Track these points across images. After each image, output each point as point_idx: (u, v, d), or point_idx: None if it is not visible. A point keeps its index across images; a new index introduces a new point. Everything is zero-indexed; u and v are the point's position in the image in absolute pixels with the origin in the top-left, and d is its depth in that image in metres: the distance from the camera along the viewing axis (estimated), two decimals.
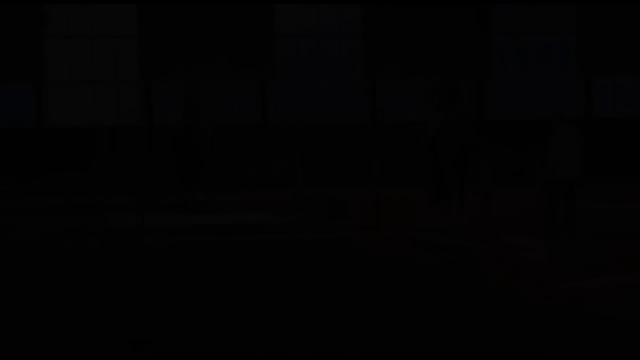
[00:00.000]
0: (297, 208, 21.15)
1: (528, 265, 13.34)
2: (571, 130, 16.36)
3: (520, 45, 34.70)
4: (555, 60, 34.95)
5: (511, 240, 14.63)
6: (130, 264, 14.29)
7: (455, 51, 31.16)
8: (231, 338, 9.22)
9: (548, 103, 34.75)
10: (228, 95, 33.06)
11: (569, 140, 16.18)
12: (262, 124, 32.40)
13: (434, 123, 18.85)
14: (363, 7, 33.20)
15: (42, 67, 32.20)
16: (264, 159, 28.62)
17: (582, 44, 34.51)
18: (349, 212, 18.47)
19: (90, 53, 32.71)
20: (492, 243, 14.59)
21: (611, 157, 33.15)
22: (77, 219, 20.72)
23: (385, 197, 17.01)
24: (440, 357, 8.33)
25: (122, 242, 16.39)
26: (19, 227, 19.39)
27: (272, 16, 33.05)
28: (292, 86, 33.55)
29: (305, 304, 10.88)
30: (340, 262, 14.03)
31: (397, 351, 8.59)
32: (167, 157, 23.50)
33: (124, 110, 33.16)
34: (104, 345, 9.09)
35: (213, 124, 23.89)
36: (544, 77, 34.94)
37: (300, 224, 18.82)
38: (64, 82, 32.62)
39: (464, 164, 18.24)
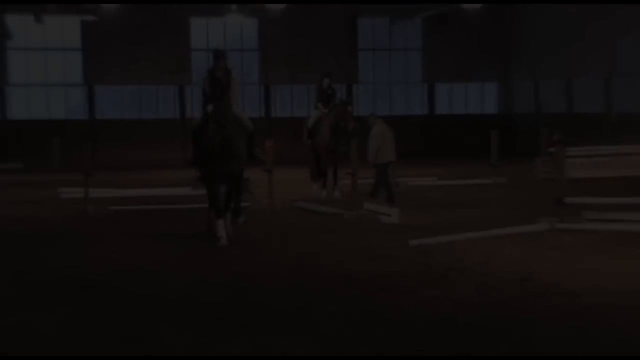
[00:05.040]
0: None
1: (386, 227, 13.55)
2: (384, 125, 16.65)
3: (380, 58, 35.01)
4: (406, 70, 35.36)
5: (373, 208, 14.80)
6: (75, 227, 14.14)
7: (331, 62, 31.34)
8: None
9: (401, 103, 35.22)
10: (154, 95, 32.82)
11: (384, 132, 16.47)
12: (180, 118, 32.22)
13: (314, 117, 18.98)
14: (260, 27, 33.18)
15: (5, 73, 31.59)
16: (180, 146, 28.30)
17: (426, 58, 35.02)
18: (251, 188, 18.52)
19: (44, 61, 32.16)
20: (358, 210, 14.74)
21: (448, 144, 33.79)
22: (35, 191, 20.34)
23: (278, 176, 17.05)
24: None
25: (70, 211, 16.16)
26: None
27: (188, 33, 32.85)
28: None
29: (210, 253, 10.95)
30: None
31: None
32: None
33: (71, 107, 32.73)
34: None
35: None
36: (398, 83, 35.35)
37: None
38: (23, 84, 32.04)
39: (336, 148, 18.34)
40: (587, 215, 13.24)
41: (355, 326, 7.33)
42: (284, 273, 9.88)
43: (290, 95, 33.65)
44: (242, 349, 6.64)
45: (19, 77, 31.85)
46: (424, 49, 34.96)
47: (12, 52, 31.62)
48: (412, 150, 28.68)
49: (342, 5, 32.49)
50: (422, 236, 12.02)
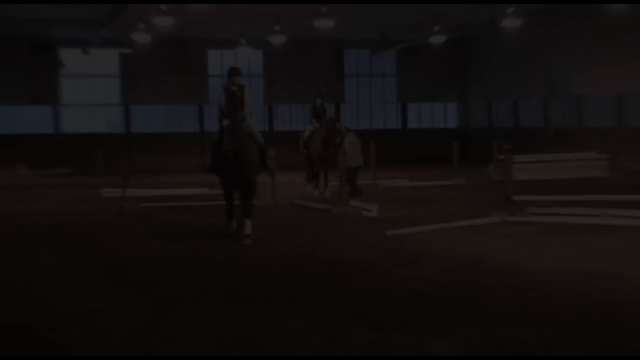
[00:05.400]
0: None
1: (367, 220, 13.59)
2: (354, 136, 16.76)
3: (362, 82, 35.07)
4: (383, 92, 35.40)
5: (356, 204, 14.82)
6: (114, 221, 14.13)
7: (323, 85, 31.44)
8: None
9: (379, 119, 35.24)
10: (178, 113, 32.82)
11: (354, 143, 16.58)
12: (199, 132, 32.22)
13: (308, 131, 18.98)
14: (264, 57, 33.21)
15: (58, 95, 31.63)
16: (200, 154, 28.27)
17: (400, 82, 35.09)
18: (257, 188, 18.50)
19: (89, 86, 32.19)
20: (345, 206, 14.77)
21: (417, 152, 33.82)
22: (81, 191, 20.31)
23: (279, 178, 17.06)
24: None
25: (110, 207, 16.15)
26: (42, 198, 18.93)
27: (205, 62, 32.88)
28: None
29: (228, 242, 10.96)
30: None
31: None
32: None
33: (111, 123, 32.76)
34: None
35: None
36: (377, 103, 35.40)
37: None
38: (72, 105, 32.05)
39: (327, 156, 18.33)
40: (531, 210, 13.32)
41: (341, 300, 7.38)
42: (283, 257, 9.92)
43: (289, 112, 33.72)
44: (254, 319, 6.70)
45: (69, 98, 31.96)
46: (398, 75, 35.06)
47: (64, 78, 31.73)
48: (388, 157, 28.72)
49: (331, 39, 32.54)
50: (397, 227, 12.07)
